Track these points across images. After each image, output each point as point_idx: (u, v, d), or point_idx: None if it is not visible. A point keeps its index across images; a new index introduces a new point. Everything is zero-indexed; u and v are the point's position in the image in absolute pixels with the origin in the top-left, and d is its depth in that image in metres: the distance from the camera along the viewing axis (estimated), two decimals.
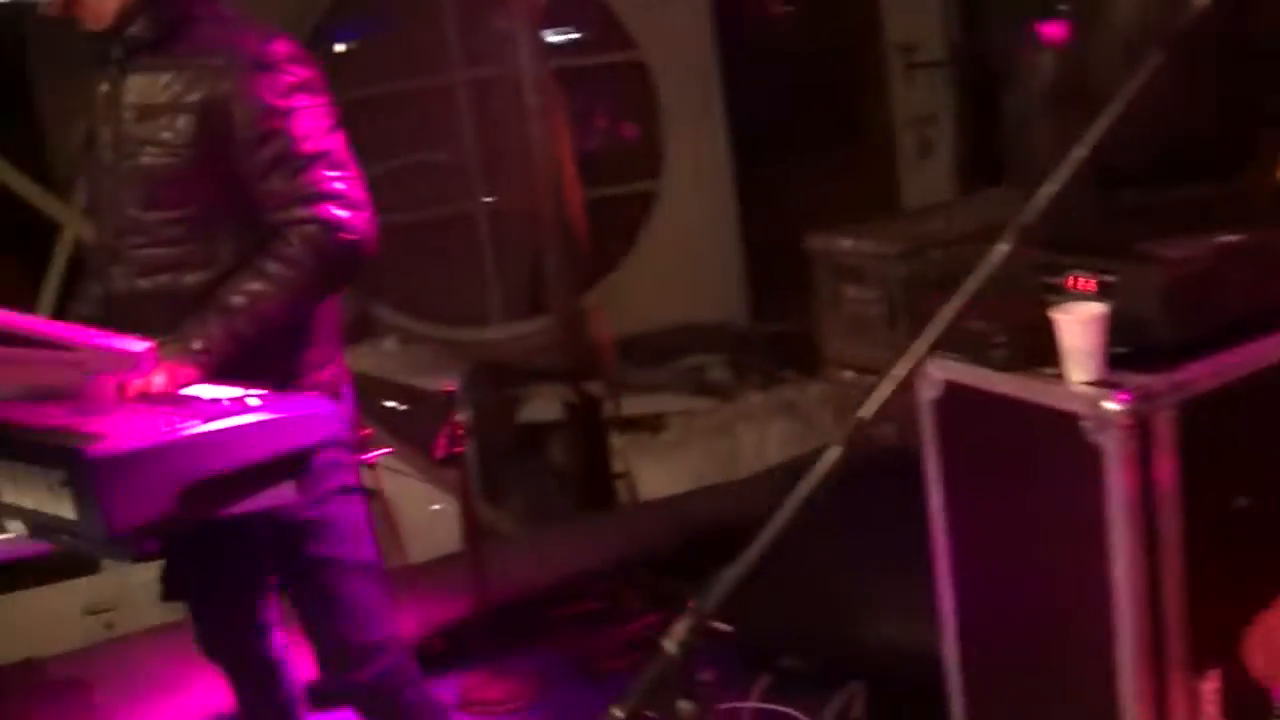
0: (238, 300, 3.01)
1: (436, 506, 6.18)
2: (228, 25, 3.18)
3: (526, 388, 9.12)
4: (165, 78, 3.12)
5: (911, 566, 3.56)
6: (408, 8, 9.30)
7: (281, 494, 2.56)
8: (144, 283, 3.16)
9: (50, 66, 11.46)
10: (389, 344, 8.21)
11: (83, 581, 5.93)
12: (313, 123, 3.08)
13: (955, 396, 3.16)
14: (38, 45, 11.73)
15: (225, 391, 2.68)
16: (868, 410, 1.84)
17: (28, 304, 7.64)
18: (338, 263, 3.06)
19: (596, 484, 6.62)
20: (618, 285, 9.42)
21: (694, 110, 10.33)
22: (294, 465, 2.55)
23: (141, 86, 3.14)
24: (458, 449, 4.21)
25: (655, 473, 7.75)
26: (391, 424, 6.12)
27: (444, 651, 4.52)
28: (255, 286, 3.02)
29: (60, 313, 6.40)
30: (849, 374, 6.47)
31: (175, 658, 4.82)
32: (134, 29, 3.14)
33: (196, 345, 2.96)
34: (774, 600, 3.94)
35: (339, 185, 3.06)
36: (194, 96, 3.08)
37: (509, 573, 4.88)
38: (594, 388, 6.43)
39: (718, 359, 10.23)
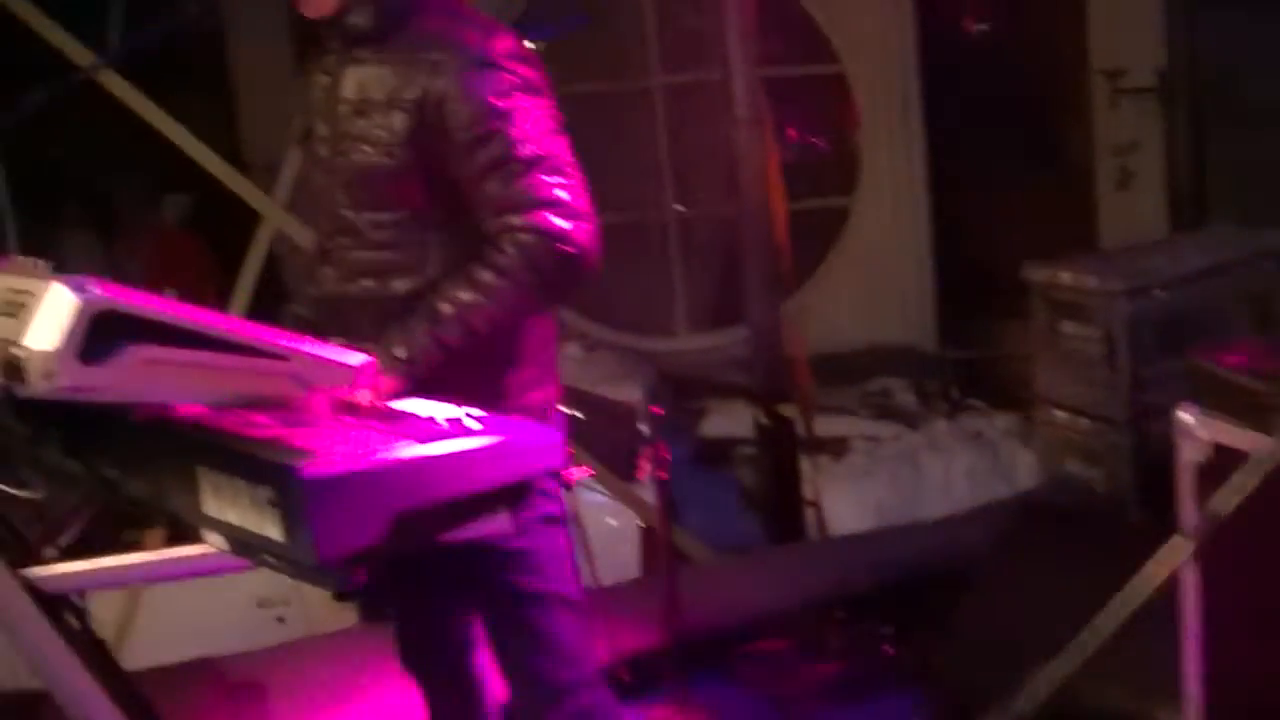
0: (446, 309, 2.86)
1: (613, 523, 6.00)
2: (451, 18, 3.02)
3: (708, 401, 8.94)
4: (383, 71, 2.97)
5: (1143, 632, 3.29)
6: (608, 8, 9.19)
7: (495, 525, 2.36)
8: (351, 287, 3.02)
9: (247, 52, 11.57)
10: (572, 350, 8.07)
11: (256, 574, 5.82)
12: (533, 125, 2.90)
13: (1223, 461, 2.87)
14: (235, 30, 11.86)
15: (439, 409, 2.49)
16: (1225, 504, 1.59)
17: (222, 293, 7.64)
18: (555, 276, 2.87)
19: (787, 512, 6.39)
20: (804, 302, 9.19)
21: (892, 127, 10.08)
22: (512, 495, 2.36)
23: (359, 80, 3.00)
24: (661, 473, 4.00)
25: (837, 499, 7.53)
26: (573, 433, 5.94)
27: (632, 683, 4.32)
28: (466, 296, 2.86)
29: (258, 307, 6.39)
30: (1061, 414, 6.16)
31: (351, 663, 4.72)
32: (354, 18, 2.99)
33: (400, 353, 2.81)
34: (989, 659, 3.70)
35: (560, 192, 2.88)
36: (410, 93, 2.92)
37: (697, 602, 4.67)
38: (788, 409, 6.19)
39: (903, 383, 9.98)
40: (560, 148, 2.93)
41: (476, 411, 2.45)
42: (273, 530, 2.17)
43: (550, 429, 2.63)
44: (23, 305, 2.09)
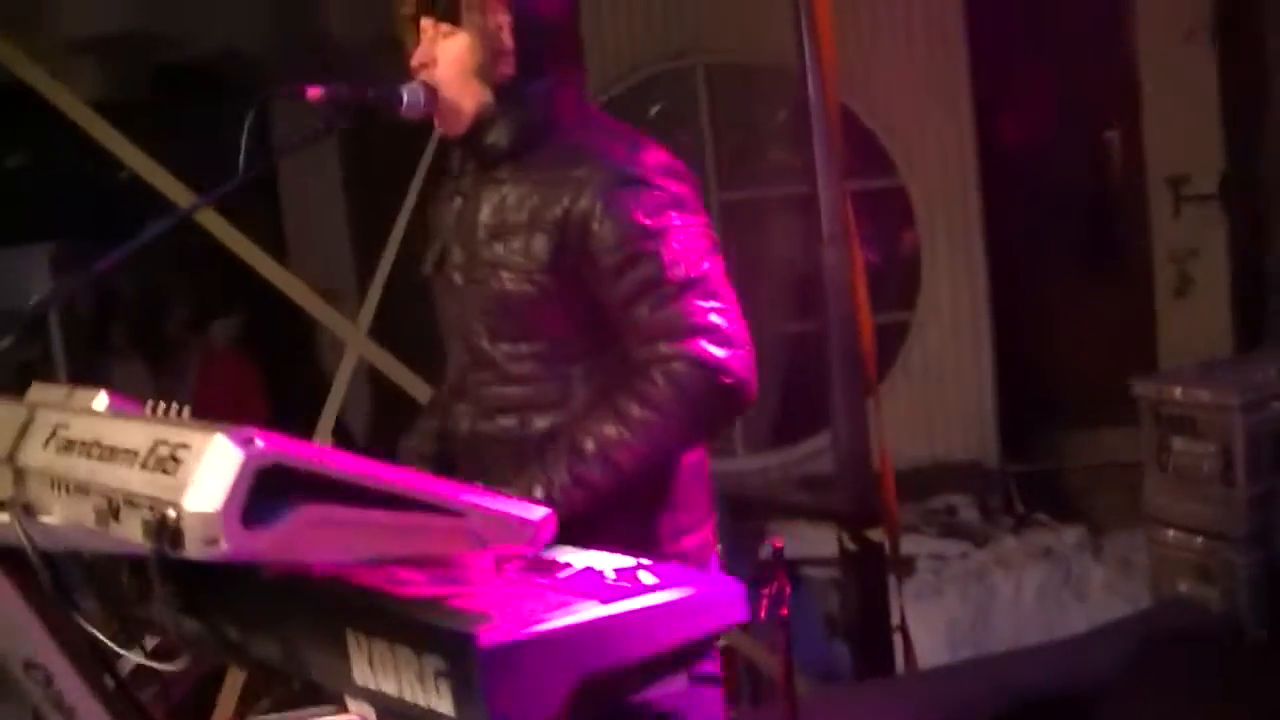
0: (589, 445, 2.66)
1: None
2: (594, 131, 2.87)
3: (769, 522, 8.74)
4: (522, 191, 2.82)
5: None
6: (668, 123, 9.09)
7: (672, 687, 2.16)
8: (489, 425, 2.84)
9: (295, 171, 11.52)
10: None
11: None
12: (686, 245, 2.72)
13: None
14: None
15: (600, 559, 2.29)
16: None
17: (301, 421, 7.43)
18: (710, 408, 2.69)
19: (876, 640, 6.14)
20: None
21: (953, 239, 9.98)
22: (690, 655, 2.15)
23: (497, 201, 2.86)
24: (783, 610, 3.78)
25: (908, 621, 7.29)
26: None
27: None
28: (611, 431, 2.66)
29: (343, 436, 6.17)
30: (1173, 533, 5.94)
31: None
32: (492, 136, 2.85)
33: (538, 493, 2.61)
34: None
35: (715, 318, 2.69)
36: (553, 213, 2.76)
37: None
38: (875, 532, 5.97)
39: (966, 499, 9.80)
40: (715, 269, 2.75)
41: (645, 561, 2.25)
42: (441, 703, 1.95)
43: (730, 580, 2.43)
44: (176, 460, 1.90)
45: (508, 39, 2.77)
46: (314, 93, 2.73)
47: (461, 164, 2.96)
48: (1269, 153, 10.87)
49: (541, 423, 2.78)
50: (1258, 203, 10.80)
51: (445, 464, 2.97)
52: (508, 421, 2.82)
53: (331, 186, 11.37)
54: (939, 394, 9.82)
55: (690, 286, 2.69)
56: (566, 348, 2.79)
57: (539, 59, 2.81)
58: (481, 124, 2.84)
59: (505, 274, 2.79)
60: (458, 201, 2.96)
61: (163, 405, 2.20)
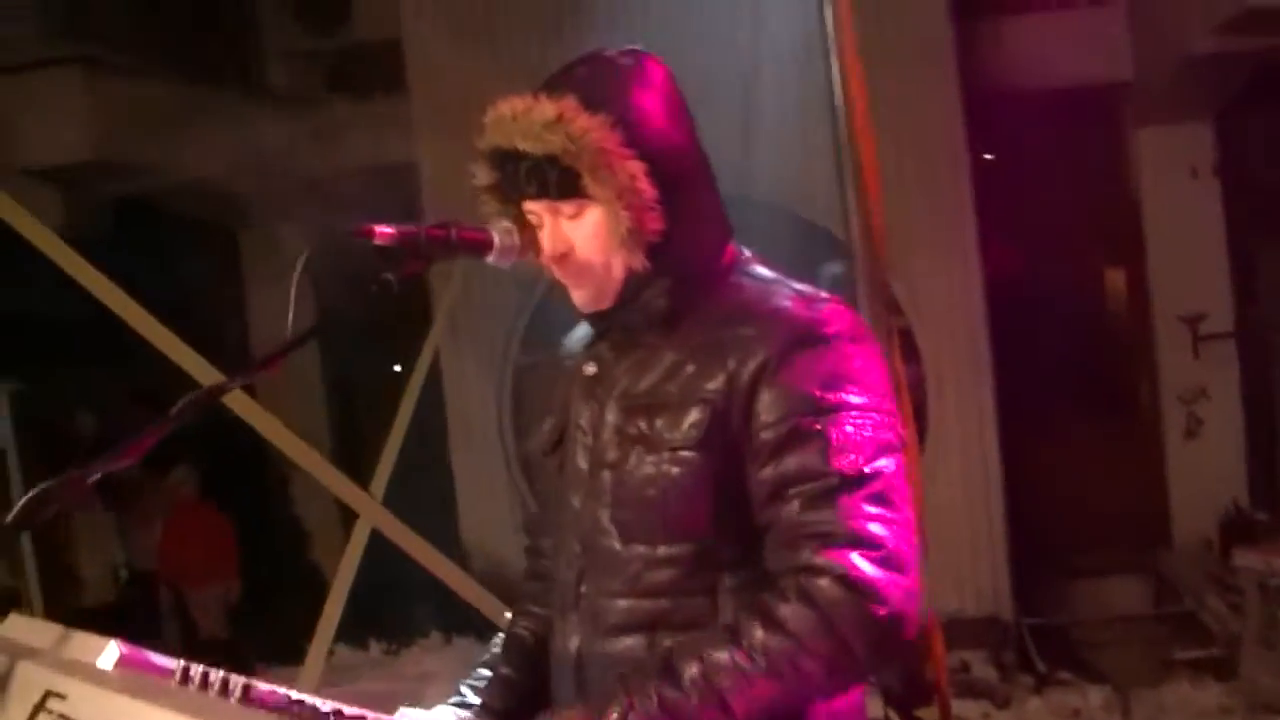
0: (691, 668, 2.06)
1: None
2: (759, 279, 2.35)
3: None
4: (675, 358, 2.29)
5: None
6: None
7: None
8: (605, 644, 2.24)
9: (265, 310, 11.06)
10: None
11: None
12: (861, 431, 2.17)
13: None
14: (256, 290, 11.37)
15: None
16: None
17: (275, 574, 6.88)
18: (853, 642, 2.05)
19: None
20: None
21: (961, 388, 9.59)
22: None
23: (641, 371, 2.33)
24: None
25: None
26: None
27: None
28: (723, 655, 2.06)
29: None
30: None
31: None
32: (644, 299, 2.32)
33: (613, 716, 2.04)
34: None
35: (877, 528, 2.09)
36: (714, 381, 2.23)
37: None
38: (926, 713, 5.42)
39: (980, 655, 9.29)
40: (892, 470, 2.17)
41: None
42: None
43: None
44: None
45: (648, 189, 2.25)
46: (385, 233, 2.17)
47: (598, 331, 2.44)
48: (1273, 291, 10.64)
49: (670, 644, 2.18)
50: (1267, 341, 10.53)
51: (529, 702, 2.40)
52: (632, 640, 2.24)
53: (304, 321, 10.87)
54: (947, 544, 9.29)
55: (856, 484, 2.13)
56: (716, 553, 2.23)
57: (683, 197, 2.30)
58: (631, 289, 2.33)
59: (649, 457, 2.25)
60: (589, 370, 2.41)
61: (193, 668, 1.65)
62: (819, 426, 2.15)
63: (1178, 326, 10.30)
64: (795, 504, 2.13)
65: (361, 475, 8.27)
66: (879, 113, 5.37)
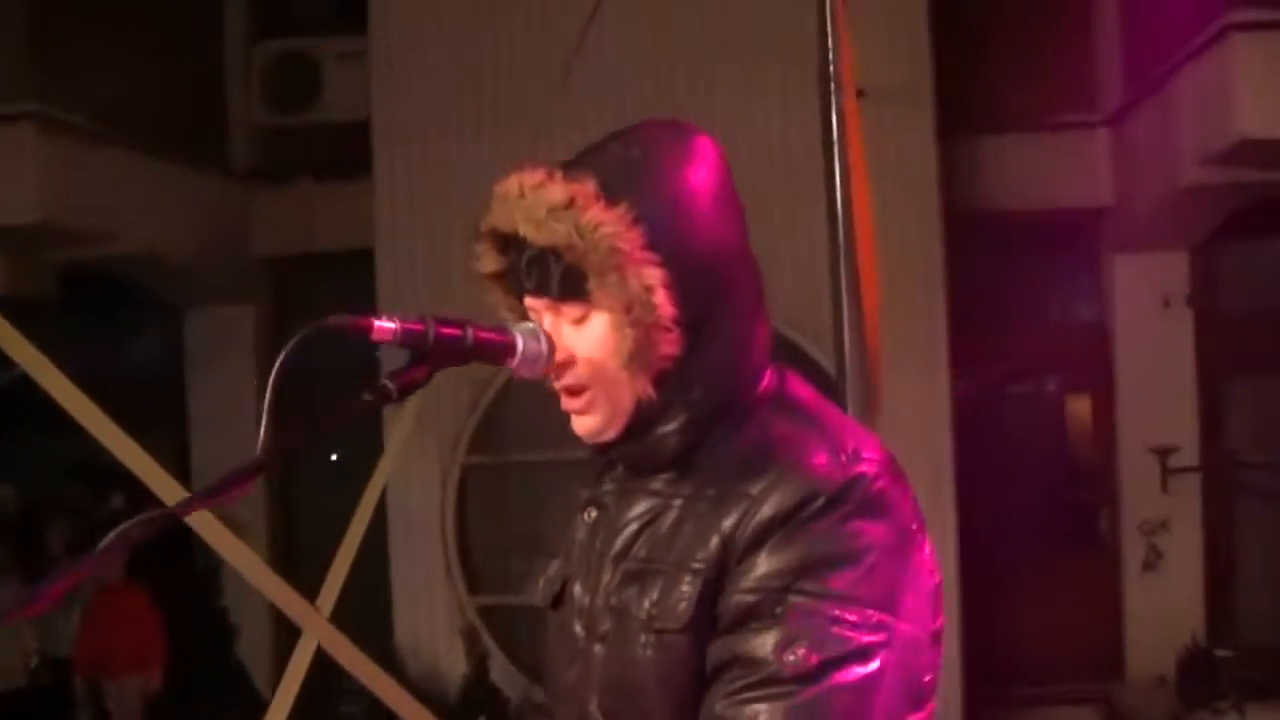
0: None
1: None
2: (797, 423, 1.92)
3: None
4: (676, 516, 1.90)
5: None
6: None
7: None
8: None
9: (206, 391, 10.68)
10: None
11: None
12: (831, 628, 1.76)
13: None
14: (196, 367, 10.98)
15: None
16: None
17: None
18: None
19: None
20: None
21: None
22: None
23: (641, 525, 1.93)
24: None
25: None
26: None
27: None
28: None
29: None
30: None
31: None
32: (652, 436, 1.92)
33: None
34: None
35: None
36: (706, 548, 1.84)
37: None
38: None
39: None
40: (853, 681, 1.75)
41: None
42: None
43: None
44: None
45: (664, 305, 1.85)
46: (384, 329, 1.78)
47: (603, 465, 2.04)
48: (1240, 426, 10.52)
49: None
50: (1232, 476, 10.38)
51: None
52: None
53: (246, 407, 10.53)
54: None
55: (798, 685, 1.75)
56: None
57: (714, 315, 1.90)
58: (640, 421, 1.93)
59: (639, 636, 1.88)
60: (590, 516, 2.03)
61: None
62: (780, 610, 1.77)
63: (1142, 456, 10.11)
64: (724, 689, 1.78)
65: (299, 572, 7.88)
66: None
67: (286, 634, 10.13)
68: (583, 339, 1.89)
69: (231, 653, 10.34)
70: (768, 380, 1.97)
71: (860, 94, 5.00)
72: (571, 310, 1.88)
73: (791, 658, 1.74)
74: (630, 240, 1.83)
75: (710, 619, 1.82)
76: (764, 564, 1.79)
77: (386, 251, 9.61)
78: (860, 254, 4.94)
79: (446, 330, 1.83)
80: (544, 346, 1.89)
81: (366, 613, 7.41)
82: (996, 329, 10.16)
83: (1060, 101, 10.08)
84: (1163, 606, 10.16)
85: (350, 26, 10.08)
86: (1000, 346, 10.22)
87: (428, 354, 1.83)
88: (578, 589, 1.99)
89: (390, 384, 1.80)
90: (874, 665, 1.75)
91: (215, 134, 10.45)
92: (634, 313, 1.84)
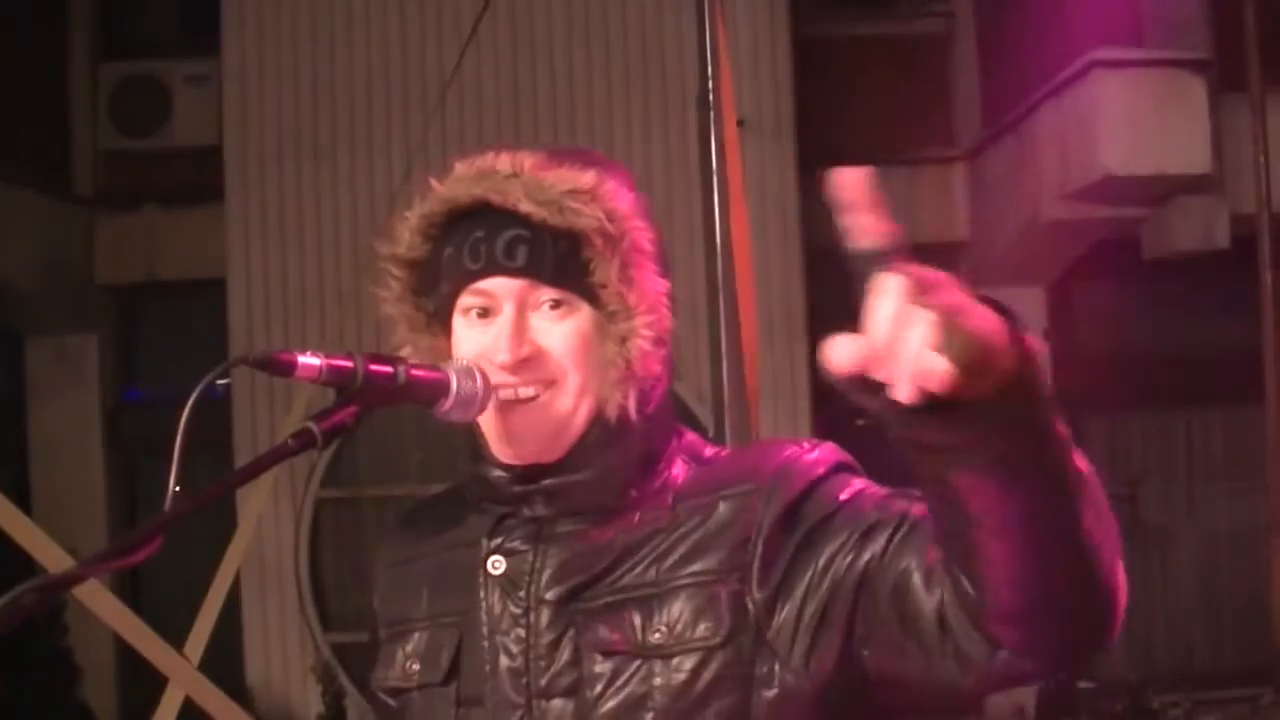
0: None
1: None
2: (713, 452, 1.87)
3: None
4: (630, 539, 1.76)
5: None
6: None
7: None
8: None
9: (47, 423, 10.31)
10: None
11: None
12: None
13: None
14: (39, 398, 10.59)
15: None
16: None
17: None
18: None
19: None
20: None
21: None
22: None
23: (582, 564, 1.77)
24: None
25: None
26: None
27: None
28: None
29: None
30: None
31: None
32: (592, 470, 1.77)
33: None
34: None
35: None
36: (710, 560, 1.72)
37: None
38: None
39: None
40: None
41: None
42: None
43: None
44: None
45: (669, 318, 1.76)
46: (308, 368, 1.61)
47: (504, 500, 1.83)
48: (1095, 460, 10.59)
49: None
50: None
51: None
52: None
53: (89, 438, 10.18)
54: None
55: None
56: None
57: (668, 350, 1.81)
58: (584, 450, 1.78)
59: (638, 671, 1.71)
60: (496, 568, 1.81)
61: None
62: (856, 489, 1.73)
63: None
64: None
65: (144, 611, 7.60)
66: None
67: (131, 676, 9.81)
68: (561, 331, 1.75)
69: (73, 696, 9.95)
70: (676, 433, 1.88)
71: (740, 124, 4.94)
72: (551, 295, 1.74)
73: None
74: (651, 242, 1.75)
75: (748, 624, 1.70)
76: (816, 504, 1.72)
77: (238, 280, 9.34)
78: (739, 287, 4.86)
79: (377, 368, 1.66)
80: (479, 387, 1.72)
81: (215, 651, 7.16)
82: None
83: (918, 136, 10.12)
84: None
85: (199, 48, 9.82)
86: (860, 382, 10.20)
87: (355, 394, 1.65)
88: (500, 650, 1.79)
89: (314, 427, 1.62)
90: None
91: (58, 157, 10.10)
92: (648, 316, 1.73)
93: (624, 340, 1.73)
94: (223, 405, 8.96)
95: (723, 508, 1.74)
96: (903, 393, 1.30)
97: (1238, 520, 10.22)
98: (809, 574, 1.68)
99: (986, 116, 9.83)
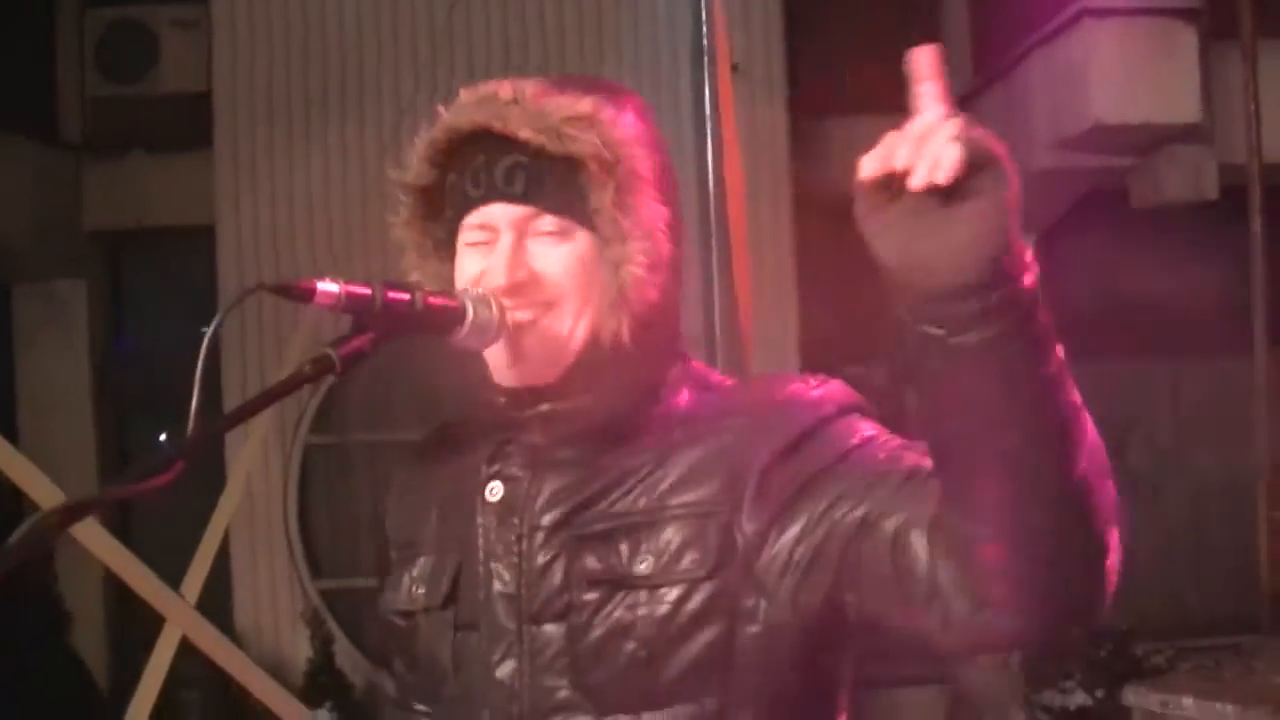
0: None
1: None
2: (720, 383, 1.91)
3: None
4: (624, 468, 1.78)
5: None
6: None
7: None
8: None
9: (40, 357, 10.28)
10: None
11: None
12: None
13: None
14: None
15: None
16: None
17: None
18: None
19: None
20: None
21: None
22: None
23: (576, 490, 1.79)
24: None
25: None
26: None
27: None
28: None
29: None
30: None
31: None
32: (588, 396, 1.80)
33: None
34: None
35: None
36: (702, 491, 1.74)
37: None
38: None
39: None
40: None
41: None
42: None
43: None
44: None
45: (667, 245, 1.78)
46: (327, 293, 1.63)
47: (504, 427, 1.87)
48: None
49: None
50: None
51: None
52: None
53: (78, 385, 10.16)
54: None
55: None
56: (725, 717, 1.73)
57: (673, 280, 1.83)
58: (580, 374, 1.81)
59: (624, 600, 1.73)
60: (494, 494, 1.84)
61: None
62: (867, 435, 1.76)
63: None
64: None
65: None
66: None
67: (122, 622, 9.84)
68: (557, 255, 1.78)
69: (63, 643, 9.97)
70: (682, 361, 1.91)
71: (734, 69, 4.93)
72: (550, 223, 1.77)
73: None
74: (651, 169, 1.76)
75: (723, 569, 1.72)
76: (826, 444, 1.74)
77: (228, 227, 9.31)
78: (732, 234, 4.87)
79: (394, 295, 1.68)
80: (494, 314, 1.75)
81: (204, 596, 7.20)
82: (846, 311, 10.14)
83: (908, 85, 10.08)
84: None
85: None
86: (847, 333, 10.20)
87: (371, 321, 1.67)
88: (493, 576, 1.82)
89: (332, 353, 1.64)
90: None
91: (44, 103, 10.03)
92: (644, 241, 1.75)
93: (619, 265, 1.75)
94: (211, 348, 8.94)
95: (721, 438, 1.76)
96: (918, 177, 1.40)
97: (1224, 470, 10.27)
98: (807, 515, 1.71)
99: (977, 64, 9.80)
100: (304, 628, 9.24)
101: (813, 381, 1.81)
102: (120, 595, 8.05)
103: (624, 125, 1.76)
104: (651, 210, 1.76)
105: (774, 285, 9.05)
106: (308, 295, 1.63)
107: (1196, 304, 9.98)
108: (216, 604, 9.14)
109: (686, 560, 1.72)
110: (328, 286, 1.64)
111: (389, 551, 1.98)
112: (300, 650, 9.23)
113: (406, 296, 1.69)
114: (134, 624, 8.27)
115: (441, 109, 1.82)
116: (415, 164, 1.84)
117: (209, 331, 1.61)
